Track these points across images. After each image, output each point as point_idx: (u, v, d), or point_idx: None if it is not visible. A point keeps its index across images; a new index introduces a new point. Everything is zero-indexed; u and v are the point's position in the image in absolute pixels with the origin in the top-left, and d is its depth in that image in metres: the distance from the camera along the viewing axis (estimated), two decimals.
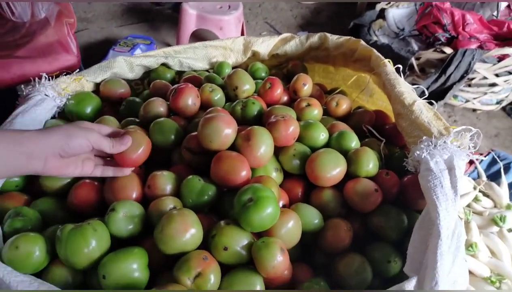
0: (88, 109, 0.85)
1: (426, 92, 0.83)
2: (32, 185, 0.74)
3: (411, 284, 0.53)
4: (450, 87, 1.74)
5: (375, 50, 0.92)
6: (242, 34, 2.19)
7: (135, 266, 0.55)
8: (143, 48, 2.02)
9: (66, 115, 0.86)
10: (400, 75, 0.84)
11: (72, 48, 1.11)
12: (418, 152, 0.67)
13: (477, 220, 0.94)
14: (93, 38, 2.33)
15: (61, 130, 0.56)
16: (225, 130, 0.67)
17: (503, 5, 1.91)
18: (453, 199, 0.59)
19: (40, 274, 0.57)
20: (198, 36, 2.23)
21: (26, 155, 0.52)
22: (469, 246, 0.87)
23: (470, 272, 0.86)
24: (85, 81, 0.91)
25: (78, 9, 2.55)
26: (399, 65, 0.87)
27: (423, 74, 1.81)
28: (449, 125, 0.72)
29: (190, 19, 1.98)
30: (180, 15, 2.00)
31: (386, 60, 0.87)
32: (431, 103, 0.78)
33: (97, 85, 0.94)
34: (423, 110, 0.74)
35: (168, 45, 2.27)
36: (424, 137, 0.69)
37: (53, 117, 0.85)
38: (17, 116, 0.74)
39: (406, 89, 0.80)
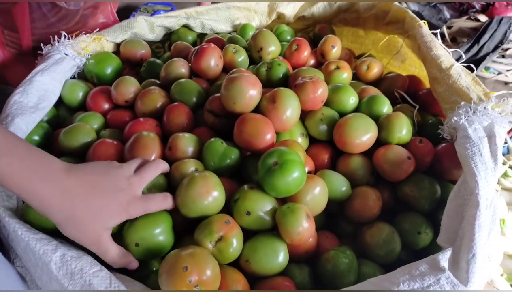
0: (109, 70, 0.82)
1: (464, 56, 0.78)
2: (51, 144, 0.72)
3: (445, 255, 0.49)
4: (483, 58, 1.65)
5: (409, 11, 0.86)
6: None
7: (159, 230, 0.53)
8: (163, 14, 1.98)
9: (86, 76, 0.84)
10: (438, 38, 0.78)
11: None
12: (455, 118, 0.62)
13: (505, 196, 0.90)
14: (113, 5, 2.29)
15: None
16: (249, 91, 0.64)
17: None
18: (493, 169, 0.55)
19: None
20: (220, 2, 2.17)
21: None
22: None
23: None
24: (105, 41, 0.88)
25: None
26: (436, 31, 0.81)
27: (455, 44, 1.72)
28: (489, 91, 0.67)
29: None
30: None
31: (422, 22, 0.81)
32: (470, 69, 0.73)
33: (117, 45, 0.91)
34: (462, 75, 0.69)
35: None
36: (462, 102, 0.64)
37: (73, 77, 0.83)
38: (36, 74, 0.72)
39: (443, 52, 0.74)
